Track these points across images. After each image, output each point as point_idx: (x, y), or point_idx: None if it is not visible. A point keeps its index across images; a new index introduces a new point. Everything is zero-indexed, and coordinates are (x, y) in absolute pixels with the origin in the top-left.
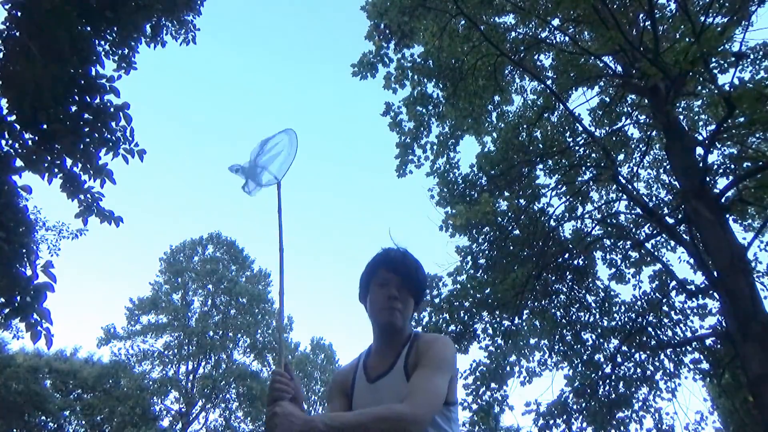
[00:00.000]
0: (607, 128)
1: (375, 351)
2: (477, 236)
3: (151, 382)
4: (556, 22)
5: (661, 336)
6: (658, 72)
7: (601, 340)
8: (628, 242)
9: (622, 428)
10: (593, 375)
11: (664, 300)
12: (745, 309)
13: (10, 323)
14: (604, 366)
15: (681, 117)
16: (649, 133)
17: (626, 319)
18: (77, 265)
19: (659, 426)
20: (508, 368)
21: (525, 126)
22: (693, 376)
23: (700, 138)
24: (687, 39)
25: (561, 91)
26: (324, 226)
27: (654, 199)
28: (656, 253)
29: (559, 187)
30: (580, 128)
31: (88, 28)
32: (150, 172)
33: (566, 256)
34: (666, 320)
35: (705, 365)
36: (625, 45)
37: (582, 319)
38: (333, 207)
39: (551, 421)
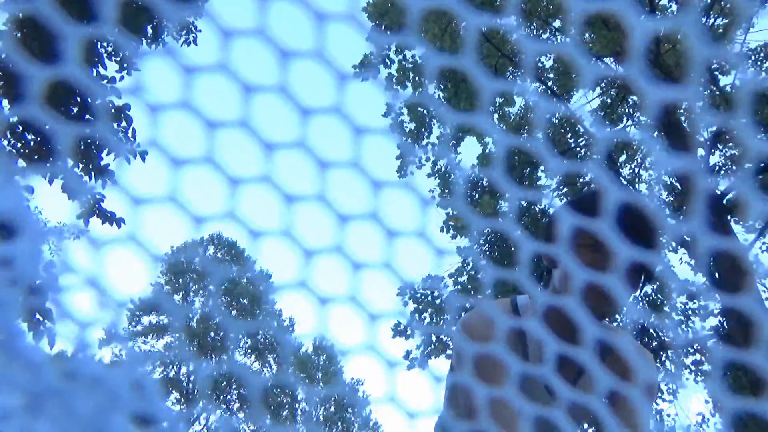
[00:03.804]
0: (609, 129)
1: (551, 338)
2: (478, 237)
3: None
4: (557, 23)
5: (662, 337)
6: (659, 73)
7: None
8: None
9: None
10: None
11: (666, 301)
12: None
13: None
14: None
15: (682, 118)
16: (650, 134)
17: (627, 320)
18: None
19: (660, 428)
20: None
21: (526, 127)
22: (694, 377)
23: (702, 139)
24: None
25: (562, 92)
26: (325, 226)
27: (655, 200)
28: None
29: (561, 188)
30: (582, 129)
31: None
32: (151, 173)
33: None
34: (667, 321)
35: (706, 367)
36: (626, 46)
37: None
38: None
39: None
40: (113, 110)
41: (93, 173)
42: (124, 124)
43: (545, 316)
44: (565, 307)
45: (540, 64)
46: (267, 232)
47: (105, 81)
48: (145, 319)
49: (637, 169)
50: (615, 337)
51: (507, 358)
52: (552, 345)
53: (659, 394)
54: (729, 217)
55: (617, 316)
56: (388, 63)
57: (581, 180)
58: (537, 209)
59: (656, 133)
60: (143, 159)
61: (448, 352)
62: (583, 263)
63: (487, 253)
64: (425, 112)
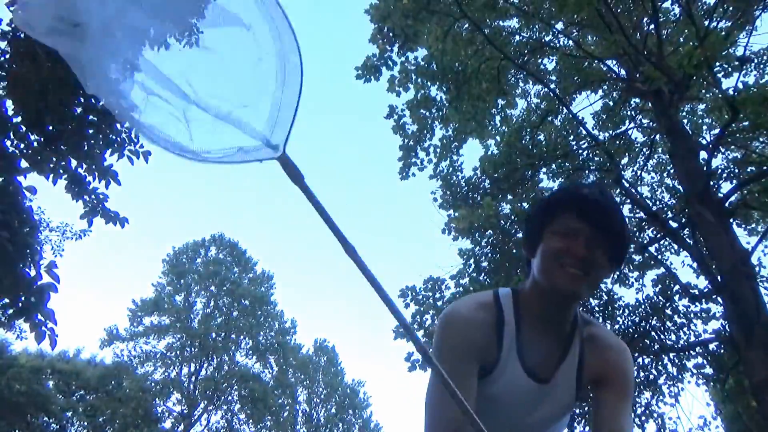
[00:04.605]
0: (611, 132)
1: (531, 326)
2: (480, 239)
3: (153, 384)
4: (559, 25)
5: (665, 340)
6: (661, 76)
7: None
8: (632, 246)
9: None
10: None
11: (668, 304)
12: (749, 313)
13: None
14: None
15: (685, 121)
16: (652, 136)
17: (629, 322)
18: (80, 266)
19: (662, 430)
20: None
21: (528, 129)
22: (696, 380)
23: (704, 142)
24: (691, 43)
25: (564, 94)
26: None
27: (657, 203)
28: (660, 257)
29: None
30: (584, 132)
31: None
32: (154, 174)
33: None
34: (669, 324)
35: (708, 370)
36: (628, 49)
37: None
38: (334, 208)
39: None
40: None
41: (96, 173)
42: (127, 124)
43: (526, 306)
44: (542, 292)
45: (542, 67)
46: None
47: None
48: (147, 320)
49: (639, 172)
50: (593, 327)
51: (481, 347)
52: (530, 333)
53: (662, 398)
54: (731, 221)
55: (590, 295)
56: (391, 65)
57: (583, 182)
58: None
59: (658, 135)
60: (146, 159)
61: None
62: (554, 248)
63: (488, 255)
64: (427, 113)
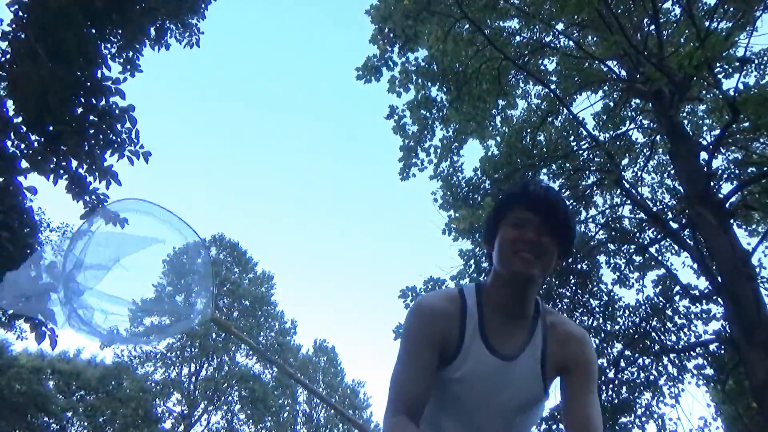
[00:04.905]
0: (611, 132)
1: (494, 312)
2: (480, 240)
3: (153, 384)
4: (560, 26)
5: (665, 341)
6: (662, 76)
7: (605, 345)
8: (632, 246)
9: None
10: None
11: (668, 305)
12: (750, 314)
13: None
14: (608, 371)
15: (685, 122)
16: (653, 137)
17: (630, 323)
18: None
19: (662, 431)
20: None
21: (529, 130)
22: (696, 381)
23: (705, 143)
24: (691, 43)
25: (565, 95)
26: (326, 228)
27: (658, 203)
28: (660, 258)
29: (563, 191)
30: (584, 132)
31: (94, 31)
32: (154, 174)
33: (570, 260)
34: (670, 325)
35: (709, 371)
36: (629, 49)
37: (585, 323)
38: (335, 209)
39: (554, 426)
40: (117, 111)
41: (97, 174)
42: (128, 125)
43: (488, 296)
44: (501, 280)
45: (543, 67)
46: None
47: (109, 82)
48: (147, 320)
49: (639, 173)
50: (555, 316)
51: (443, 334)
52: (492, 319)
53: (662, 399)
54: (732, 221)
55: (545, 278)
56: (391, 66)
57: (583, 183)
58: None
59: (659, 136)
60: (146, 160)
61: None
62: (509, 237)
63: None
64: (428, 114)
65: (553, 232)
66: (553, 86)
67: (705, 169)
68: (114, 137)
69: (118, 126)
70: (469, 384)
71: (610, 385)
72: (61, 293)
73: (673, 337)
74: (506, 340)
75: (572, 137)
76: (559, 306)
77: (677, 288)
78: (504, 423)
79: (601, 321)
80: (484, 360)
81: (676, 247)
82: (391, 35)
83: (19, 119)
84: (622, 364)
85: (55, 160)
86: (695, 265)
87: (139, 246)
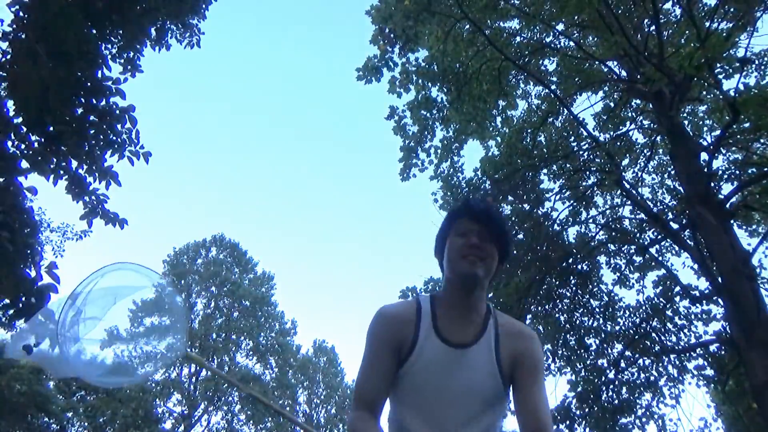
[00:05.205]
0: (612, 133)
1: (447, 312)
2: None
3: (153, 385)
4: (560, 26)
5: (665, 341)
6: (662, 77)
7: (605, 345)
8: (633, 247)
9: None
10: (596, 380)
11: (668, 305)
12: (750, 315)
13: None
14: (608, 371)
15: (686, 122)
16: (653, 138)
17: (630, 324)
18: (81, 267)
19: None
20: None
21: (529, 130)
22: (697, 382)
23: (705, 143)
24: (692, 44)
25: (565, 95)
26: (326, 229)
27: (658, 204)
28: (660, 258)
29: (563, 191)
30: (585, 133)
31: (94, 31)
32: (155, 175)
33: (570, 260)
34: (670, 326)
35: (709, 371)
36: (629, 50)
37: (585, 323)
38: (335, 209)
39: (554, 427)
40: (118, 111)
41: (97, 174)
42: (128, 125)
43: (441, 301)
44: (452, 284)
45: (543, 68)
46: None
47: (110, 82)
48: (147, 321)
49: (640, 173)
50: (505, 317)
51: (398, 335)
52: (445, 318)
53: (662, 399)
54: (732, 222)
55: (489, 280)
56: (392, 66)
57: (583, 184)
58: (539, 212)
59: (659, 137)
60: (147, 160)
61: None
62: (456, 244)
63: None
64: (428, 114)
65: (492, 238)
66: (553, 87)
67: (705, 170)
68: (114, 137)
69: (119, 126)
70: (425, 372)
71: (611, 386)
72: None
73: (674, 338)
74: (459, 333)
75: (572, 138)
76: (560, 306)
77: (677, 288)
78: (465, 414)
79: (601, 321)
80: (437, 350)
81: (677, 248)
82: (392, 36)
83: (20, 119)
84: (623, 364)
85: (55, 160)
86: (695, 266)
87: (126, 294)
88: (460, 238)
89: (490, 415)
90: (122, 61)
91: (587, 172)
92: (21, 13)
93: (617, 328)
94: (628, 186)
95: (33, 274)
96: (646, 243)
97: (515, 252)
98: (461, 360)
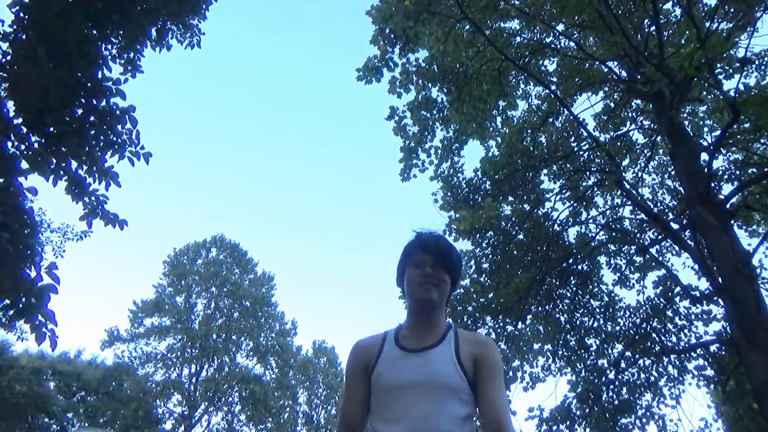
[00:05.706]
0: (612, 133)
1: (410, 330)
2: (481, 241)
3: (154, 385)
4: (560, 27)
5: (666, 342)
6: (662, 77)
7: (605, 346)
8: (633, 247)
9: None
10: (597, 381)
11: (669, 306)
12: (750, 315)
13: (15, 324)
14: (608, 371)
15: (686, 122)
16: (653, 138)
17: (630, 324)
18: (81, 267)
19: None
20: (511, 373)
21: (529, 131)
22: (697, 382)
23: (705, 144)
24: (692, 44)
25: (565, 96)
26: (326, 229)
27: (658, 204)
28: (661, 259)
29: (564, 191)
30: (585, 133)
31: (95, 32)
32: (155, 175)
33: (570, 260)
34: (670, 326)
35: (709, 372)
36: (629, 50)
37: (586, 324)
38: (335, 210)
39: (554, 427)
40: (118, 112)
41: (97, 175)
42: (128, 125)
43: (404, 326)
44: (412, 309)
45: (543, 68)
46: None
47: (110, 83)
48: (147, 321)
49: (640, 173)
50: (465, 330)
51: (366, 358)
52: (406, 335)
53: (662, 400)
54: (732, 222)
55: (444, 302)
56: (392, 66)
57: (583, 184)
58: (540, 213)
59: (659, 137)
60: (147, 161)
61: None
62: (413, 274)
63: (489, 256)
64: (428, 115)
65: (444, 266)
66: (553, 87)
67: (705, 170)
68: (114, 138)
69: (119, 127)
70: (387, 373)
71: (611, 386)
72: None
73: (674, 338)
74: (419, 342)
75: (573, 138)
76: (560, 306)
77: (678, 289)
78: (432, 405)
79: (601, 322)
80: (397, 354)
81: (677, 248)
82: (392, 36)
83: (20, 120)
84: (623, 364)
85: (55, 161)
86: (696, 266)
87: None
88: (415, 268)
89: (459, 407)
90: (122, 61)
91: (587, 173)
92: (21, 14)
93: (617, 328)
94: (628, 186)
95: (33, 274)
96: (646, 243)
97: (515, 252)
98: (422, 358)
